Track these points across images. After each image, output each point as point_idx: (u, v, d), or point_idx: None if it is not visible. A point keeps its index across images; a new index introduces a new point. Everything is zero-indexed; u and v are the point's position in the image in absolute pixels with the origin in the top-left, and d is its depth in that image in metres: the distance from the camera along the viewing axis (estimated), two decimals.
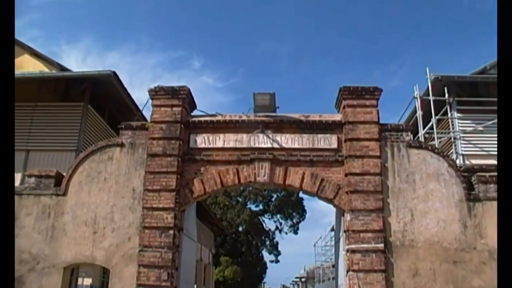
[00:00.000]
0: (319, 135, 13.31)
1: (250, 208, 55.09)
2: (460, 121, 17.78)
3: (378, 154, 12.86)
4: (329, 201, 12.93)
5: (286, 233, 58.61)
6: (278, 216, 57.68)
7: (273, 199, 56.61)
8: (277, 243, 59.25)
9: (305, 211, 58.31)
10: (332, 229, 43.67)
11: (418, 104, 17.85)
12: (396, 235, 12.40)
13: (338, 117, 13.54)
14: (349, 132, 13.01)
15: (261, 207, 56.84)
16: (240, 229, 54.03)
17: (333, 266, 43.90)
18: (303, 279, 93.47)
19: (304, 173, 12.96)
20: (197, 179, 13.03)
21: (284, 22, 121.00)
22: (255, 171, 13.00)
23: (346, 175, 12.78)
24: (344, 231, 12.67)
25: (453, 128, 17.76)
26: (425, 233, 12.40)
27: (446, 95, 17.31)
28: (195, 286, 17.73)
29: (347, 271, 12.25)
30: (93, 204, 12.92)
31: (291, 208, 56.78)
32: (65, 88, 19.69)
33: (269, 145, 13.23)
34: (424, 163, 13.02)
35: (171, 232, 12.35)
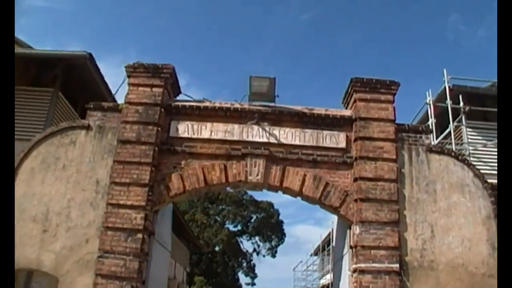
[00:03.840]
0: (325, 132, 10.89)
1: (228, 228, 53.08)
2: (470, 136, 15.66)
3: (394, 157, 10.51)
4: (334, 210, 10.47)
5: (264, 255, 56.86)
6: (257, 238, 55.76)
7: (252, 220, 54.66)
8: (254, 265, 57.14)
9: (284, 234, 56.47)
10: (316, 254, 41.33)
11: (431, 110, 15.65)
12: (414, 254, 9.99)
13: (347, 112, 11.18)
14: (360, 130, 10.65)
15: (239, 227, 54.95)
16: (217, 249, 51.84)
17: None
18: None
19: (305, 175, 10.50)
20: (175, 174, 10.48)
21: (272, 45, 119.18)
22: (246, 168, 10.49)
23: (355, 179, 10.37)
24: (351, 247, 10.21)
25: (461, 140, 15.63)
26: (447, 253, 10.03)
27: (461, 103, 15.14)
28: None
29: None
30: (46, 196, 10.24)
31: (270, 230, 54.79)
32: (36, 73, 17.17)
33: (265, 139, 10.76)
34: (447, 171, 10.71)
35: (140, 235, 9.74)
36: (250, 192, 51.04)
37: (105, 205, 10.06)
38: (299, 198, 10.84)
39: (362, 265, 9.68)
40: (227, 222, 53.72)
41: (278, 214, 55.07)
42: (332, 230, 26.74)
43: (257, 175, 10.48)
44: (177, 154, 10.67)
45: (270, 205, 54.61)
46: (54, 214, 10.12)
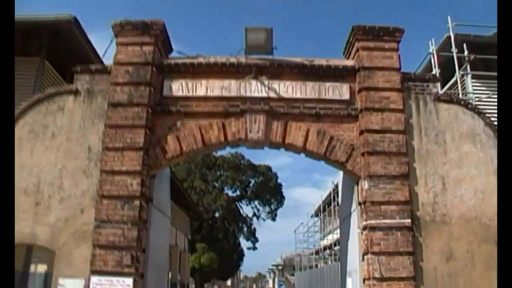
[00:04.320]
0: (327, 84, 10.22)
1: (227, 194, 52.70)
2: (474, 86, 15.01)
3: (401, 107, 9.89)
4: (340, 165, 9.90)
5: (263, 219, 56.59)
6: (256, 202, 55.45)
7: (250, 185, 54.24)
8: (255, 229, 56.98)
9: (283, 197, 56.15)
10: (316, 215, 41.09)
11: (434, 60, 14.94)
12: (425, 208, 9.49)
13: (350, 62, 10.50)
14: (364, 80, 9.98)
15: (238, 192, 54.53)
16: (217, 215, 51.52)
17: (317, 252, 41.51)
18: (279, 267, 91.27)
19: (308, 130, 9.89)
20: (171, 136, 9.85)
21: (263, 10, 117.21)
22: (246, 125, 9.86)
23: (361, 132, 9.77)
24: (359, 204, 9.68)
25: (465, 90, 14.96)
26: (460, 206, 9.54)
27: (466, 52, 14.44)
28: (169, 274, 14.62)
29: (364, 254, 9.30)
30: (36, 167, 9.65)
31: (269, 194, 54.44)
32: (20, 43, 16.30)
33: (264, 94, 10.10)
34: (456, 120, 10.11)
35: (137, 202, 9.17)
36: (247, 156, 50.71)
37: (98, 172, 9.48)
38: (302, 154, 10.26)
39: (373, 221, 9.16)
40: (225, 187, 53.31)
41: (276, 178, 54.67)
42: (337, 188, 26.37)
43: (258, 132, 9.86)
44: (172, 114, 10.01)
45: (268, 168, 54.19)
46: (46, 185, 9.56)
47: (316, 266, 35.70)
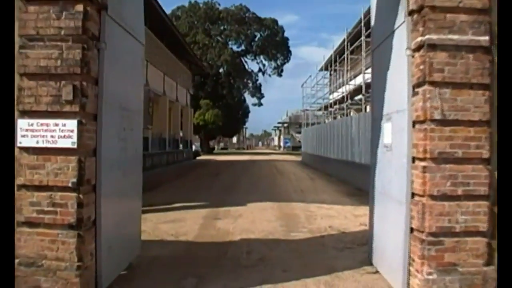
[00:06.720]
0: None
1: (231, 48, 49.63)
2: None
3: None
4: None
5: (269, 75, 54.42)
6: (261, 57, 52.70)
7: (256, 39, 50.95)
8: (260, 85, 54.91)
9: (290, 52, 53.10)
10: (326, 68, 37.75)
11: None
12: None
13: None
14: None
15: (243, 47, 51.57)
16: (221, 70, 48.76)
17: (326, 108, 38.83)
18: (285, 125, 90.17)
19: None
20: None
21: None
22: None
23: None
24: (410, 13, 6.38)
25: None
26: None
27: None
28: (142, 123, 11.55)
29: (416, 86, 6.23)
30: None
31: (275, 48, 51.31)
32: None
33: None
34: None
35: (80, 7, 5.87)
36: (252, 9, 47.13)
37: None
38: None
39: (433, 36, 5.95)
40: (230, 42, 50.50)
41: (283, 31, 51.24)
42: (352, 33, 22.88)
43: None
44: None
45: (274, 22, 50.44)
46: None
47: (324, 122, 33.18)
